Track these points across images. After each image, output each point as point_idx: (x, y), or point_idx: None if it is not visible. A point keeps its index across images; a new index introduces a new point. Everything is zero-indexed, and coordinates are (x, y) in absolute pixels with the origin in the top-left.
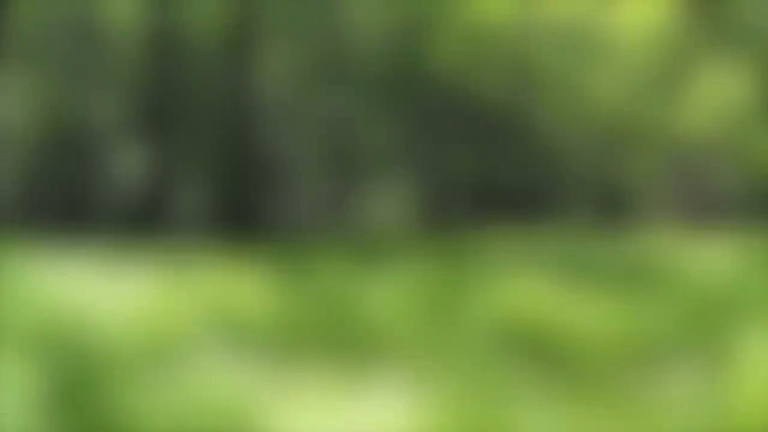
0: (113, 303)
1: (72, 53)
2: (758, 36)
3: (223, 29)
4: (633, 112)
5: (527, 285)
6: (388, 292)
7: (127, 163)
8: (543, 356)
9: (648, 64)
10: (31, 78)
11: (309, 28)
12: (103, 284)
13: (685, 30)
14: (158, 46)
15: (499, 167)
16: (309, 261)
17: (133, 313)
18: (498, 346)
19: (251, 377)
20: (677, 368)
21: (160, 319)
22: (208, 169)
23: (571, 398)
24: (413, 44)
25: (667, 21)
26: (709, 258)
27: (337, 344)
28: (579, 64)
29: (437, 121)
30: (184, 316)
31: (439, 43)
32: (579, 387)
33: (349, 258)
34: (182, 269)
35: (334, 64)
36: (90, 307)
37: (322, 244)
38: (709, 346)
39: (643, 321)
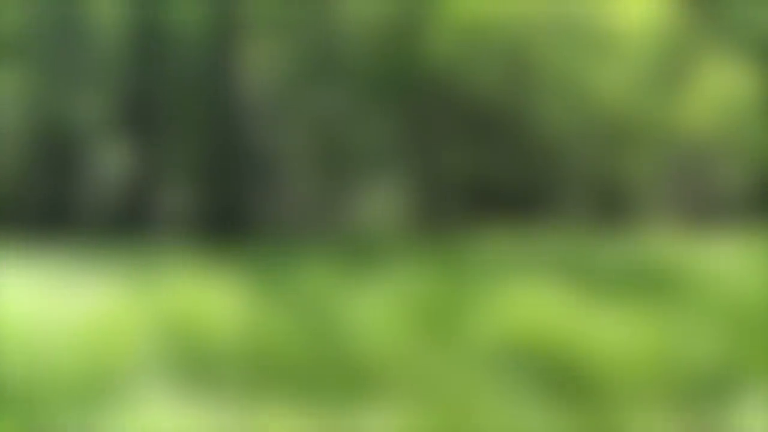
0: (60, 316)
1: (55, 51)
2: (760, 32)
3: (208, 25)
4: (633, 109)
5: (533, 295)
6: (379, 306)
7: (111, 163)
8: (559, 383)
9: (649, 60)
10: (13, 76)
11: (298, 23)
12: (58, 294)
13: (687, 25)
14: (142, 44)
15: (495, 166)
16: (293, 269)
17: (77, 330)
18: (504, 368)
19: (208, 416)
20: (737, 400)
21: (107, 337)
22: (193, 169)
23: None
24: (406, 39)
25: (668, 16)
26: (723, 261)
27: (318, 373)
28: (578, 60)
29: (431, 118)
30: (134, 335)
31: (433, 37)
32: (602, 421)
33: (338, 264)
34: (149, 279)
35: (324, 59)
36: (33, 320)
37: (310, 247)
38: None
39: (673, 337)
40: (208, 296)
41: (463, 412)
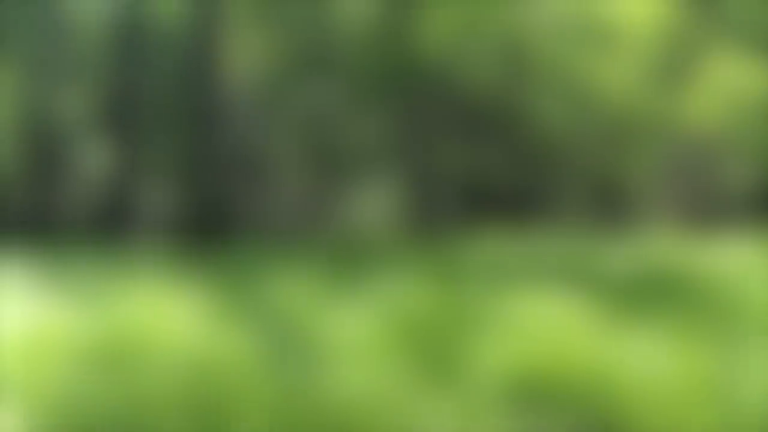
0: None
1: (36, 49)
2: (766, 28)
3: (191, 21)
4: (636, 106)
5: (542, 312)
6: (362, 326)
7: (93, 162)
8: (587, 425)
9: (652, 56)
10: None
11: (286, 16)
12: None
13: (691, 21)
14: (124, 41)
15: (492, 165)
16: (268, 279)
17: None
18: (515, 406)
19: None
20: None
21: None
22: (177, 169)
23: None
24: (399, 33)
25: (672, 11)
26: (737, 264)
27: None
28: (578, 56)
29: (426, 114)
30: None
31: (428, 31)
32: None
33: (321, 274)
34: (103, 290)
35: (314, 54)
36: None
37: (293, 253)
38: None
39: (714, 360)
40: (163, 312)
41: None
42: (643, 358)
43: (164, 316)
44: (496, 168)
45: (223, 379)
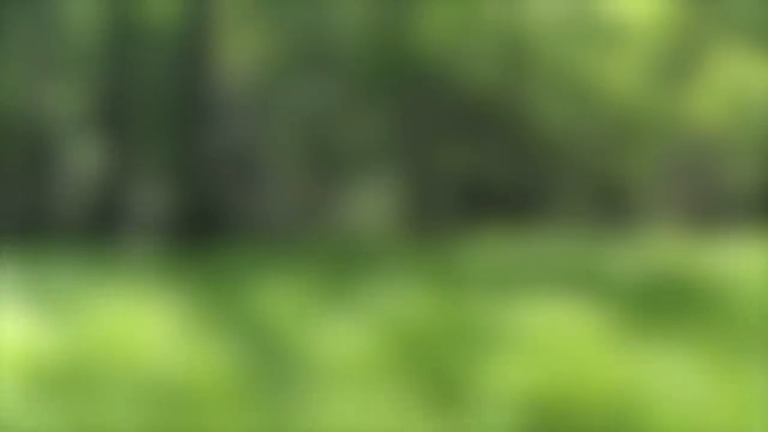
0: None
1: (29, 47)
2: None
3: (185, 17)
4: (638, 105)
5: (552, 323)
6: (353, 340)
7: (85, 162)
8: None
9: (655, 53)
10: None
11: (283, 13)
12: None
13: (694, 18)
14: (116, 38)
15: (492, 164)
16: (259, 286)
17: None
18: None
19: None
20: None
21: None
22: (171, 169)
23: None
24: (398, 29)
25: (675, 9)
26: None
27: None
28: (580, 53)
29: (424, 113)
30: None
31: (427, 27)
32: None
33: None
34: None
35: (310, 51)
36: None
37: (285, 257)
38: None
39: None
40: (137, 326)
41: None
42: (667, 375)
43: (137, 331)
44: (496, 168)
45: (198, 403)
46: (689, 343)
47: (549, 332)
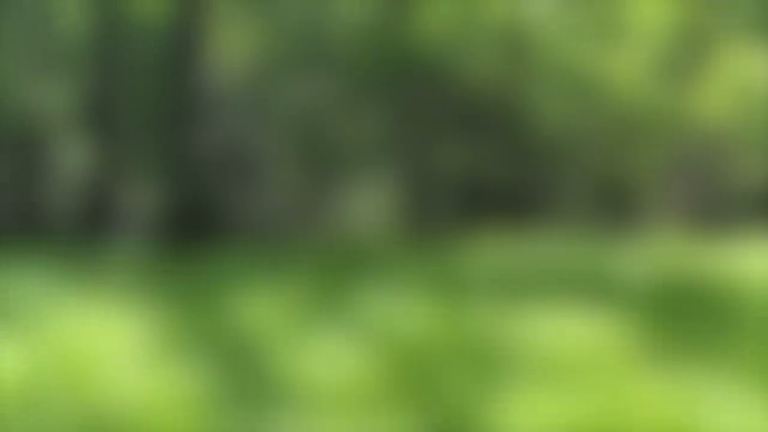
0: None
1: (18, 47)
2: None
3: (176, 14)
4: (643, 102)
5: (570, 337)
6: (346, 354)
7: (75, 161)
8: None
9: (660, 50)
10: None
11: (277, 9)
12: None
13: (700, 16)
14: (107, 36)
15: (492, 163)
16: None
17: None
18: None
19: None
20: None
21: None
22: (160, 168)
23: None
24: (396, 26)
25: (681, 6)
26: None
27: None
28: (583, 50)
29: (423, 110)
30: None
31: (426, 22)
32: None
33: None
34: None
35: (306, 47)
36: None
37: (280, 260)
38: None
39: None
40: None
41: None
42: (715, 401)
43: (99, 347)
44: (497, 167)
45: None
46: (720, 360)
47: (568, 350)
